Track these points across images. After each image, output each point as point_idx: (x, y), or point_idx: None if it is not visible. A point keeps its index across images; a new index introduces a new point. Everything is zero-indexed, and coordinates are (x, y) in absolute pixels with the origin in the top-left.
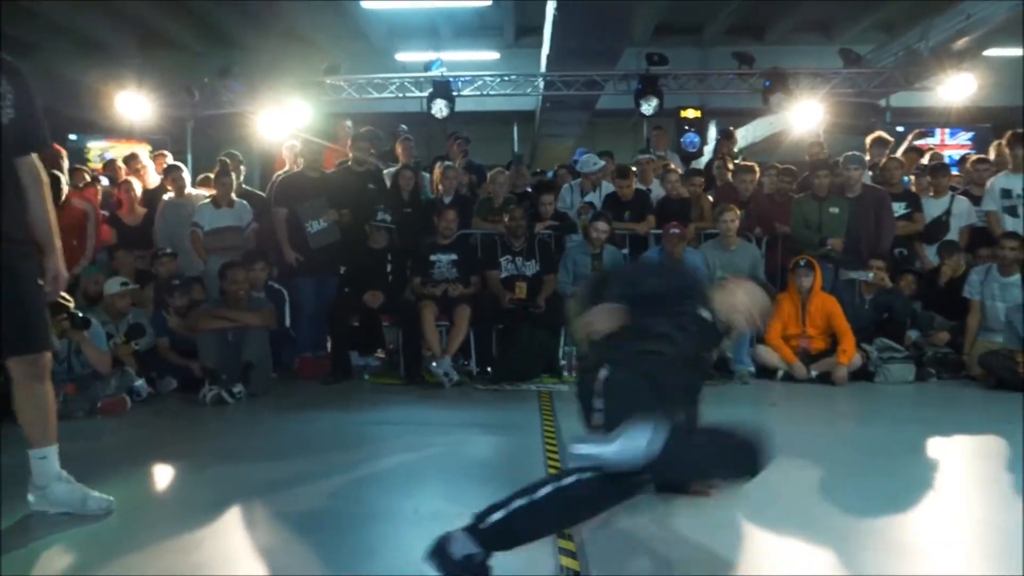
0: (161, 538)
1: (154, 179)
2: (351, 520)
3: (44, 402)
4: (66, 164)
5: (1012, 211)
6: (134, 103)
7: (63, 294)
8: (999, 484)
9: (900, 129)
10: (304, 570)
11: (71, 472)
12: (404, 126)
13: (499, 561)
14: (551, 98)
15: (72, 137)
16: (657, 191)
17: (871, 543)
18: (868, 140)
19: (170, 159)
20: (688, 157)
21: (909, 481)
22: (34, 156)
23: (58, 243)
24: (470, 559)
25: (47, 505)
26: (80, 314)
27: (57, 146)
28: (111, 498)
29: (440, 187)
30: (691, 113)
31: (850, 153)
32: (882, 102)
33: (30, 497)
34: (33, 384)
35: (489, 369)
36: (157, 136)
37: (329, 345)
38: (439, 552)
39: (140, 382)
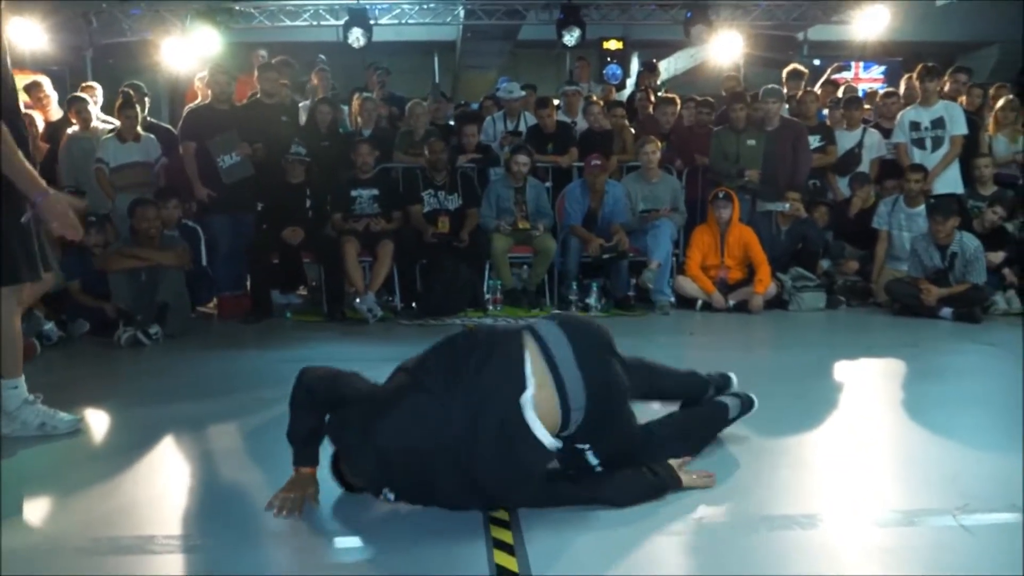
0: (78, 484)
1: (57, 111)
2: (275, 459)
3: (19, 333)
4: None
5: (920, 143)
6: (25, 30)
7: None
8: (898, 401)
9: (817, 62)
10: (230, 511)
11: None
12: (323, 56)
13: (427, 561)
14: (472, 27)
15: None
16: (582, 124)
17: (783, 461)
18: (784, 73)
19: (100, 91)
20: (610, 89)
21: (818, 402)
22: None
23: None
24: None
25: (18, 428)
26: None
27: None
28: (78, 418)
29: (359, 120)
30: (613, 44)
31: (769, 86)
32: (800, 35)
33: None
34: (14, 314)
35: (413, 304)
36: (54, 67)
37: (249, 283)
38: None
39: (50, 325)
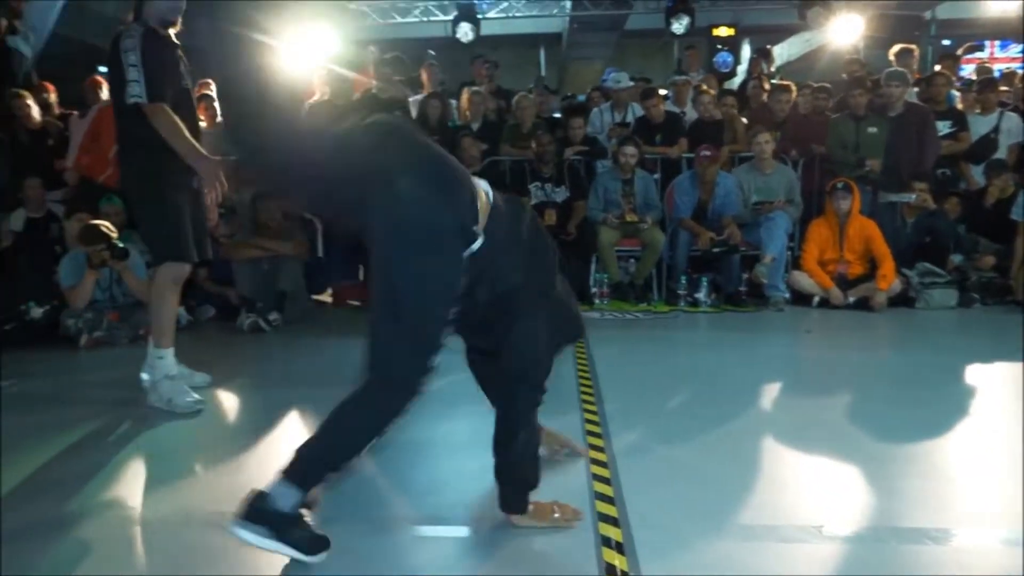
0: (205, 460)
1: None
2: (388, 445)
3: (171, 308)
4: (104, 95)
5: None
6: None
7: (106, 224)
8: None
9: (946, 42)
10: (343, 494)
11: (116, 396)
12: (432, 52)
13: (535, 558)
14: (579, 18)
15: (102, 69)
16: (692, 114)
17: (912, 469)
18: (891, 53)
19: (214, 88)
20: (721, 77)
21: (948, 408)
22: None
23: (209, 175)
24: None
25: (155, 399)
26: (120, 244)
27: (99, 78)
28: (201, 401)
29: (467, 113)
30: (724, 31)
31: (892, 69)
32: (927, 14)
33: (144, 375)
34: (168, 290)
35: None
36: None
37: (362, 273)
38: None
39: (180, 310)
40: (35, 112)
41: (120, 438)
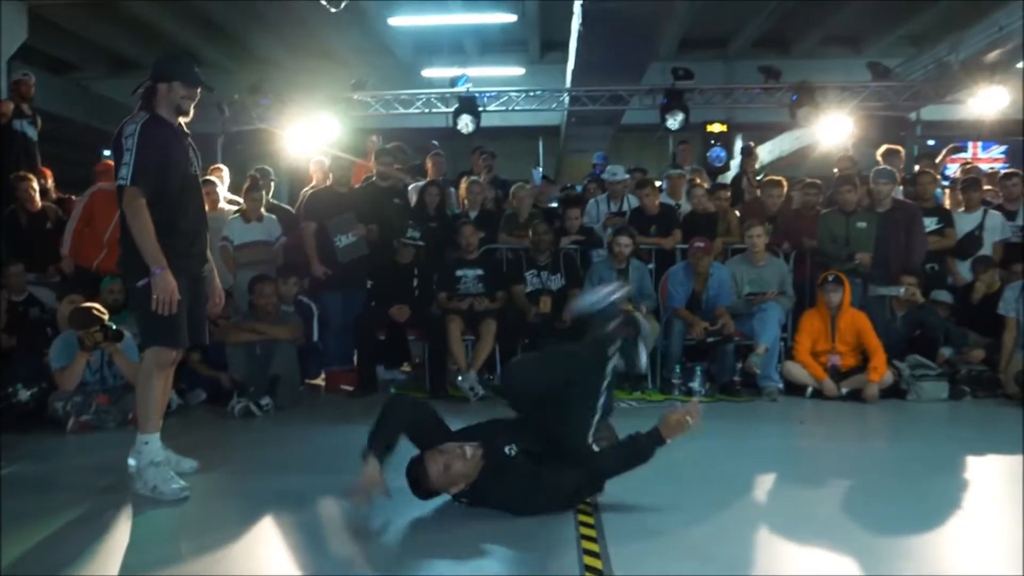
0: (189, 549)
1: None
2: (378, 532)
3: (156, 393)
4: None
5: None
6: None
7: (97, 306)
8: None
9: (931, 143)
10: None
11: (101, 482)
12: (436, 142)
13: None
14: (576, 113)
15: (106, 153)
16: (686, 207)
17: (905, 565)
18: (879, 153)
19: (226, 172)
20: (714, 171)
21: (942, 501)
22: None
23: (158, 284)
24: None
25: (140, 486)
26: (114, 326)
27: (110, 163)
28: (186, 488)
29: (466, 202)
30: (717, 127)
31: (881, 167)
32: (912, 115)
33: (131, 461)
34: (152, 374)
35: None
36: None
37: (356, 359)
38: None
39: (171, 393)
40: (36, 196)
41: (103, 526)
